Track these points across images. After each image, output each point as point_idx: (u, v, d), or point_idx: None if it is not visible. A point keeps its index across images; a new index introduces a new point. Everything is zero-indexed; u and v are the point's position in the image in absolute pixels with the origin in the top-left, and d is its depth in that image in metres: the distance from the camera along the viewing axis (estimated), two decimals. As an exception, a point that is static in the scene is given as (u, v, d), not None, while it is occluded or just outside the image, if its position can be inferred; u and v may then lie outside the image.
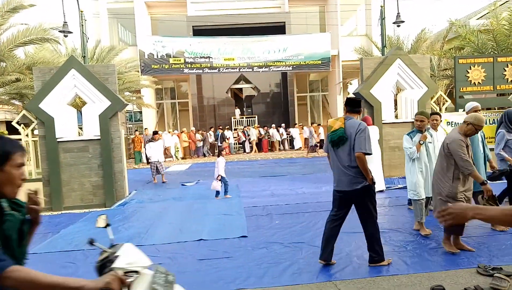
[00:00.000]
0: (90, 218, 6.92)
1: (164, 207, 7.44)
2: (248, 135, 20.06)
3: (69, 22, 10.90)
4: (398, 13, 13.77)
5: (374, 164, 7.85)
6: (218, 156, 8.27)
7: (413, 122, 9.54)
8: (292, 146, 20.57)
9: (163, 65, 16.83)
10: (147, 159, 15.68)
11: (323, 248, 4.06)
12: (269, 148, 20.56)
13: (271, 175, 11.26)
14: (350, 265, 4.04)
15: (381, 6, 11.11)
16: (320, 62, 18.05)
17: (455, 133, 4.18)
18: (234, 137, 20.24)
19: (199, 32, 20.18)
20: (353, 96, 4.59)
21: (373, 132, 7.78)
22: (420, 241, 4.67)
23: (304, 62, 17.90)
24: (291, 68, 18.25)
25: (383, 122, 9.34)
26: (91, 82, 8.05)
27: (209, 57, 17.17)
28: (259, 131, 20.16)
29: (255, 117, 22.38)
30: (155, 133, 11.67)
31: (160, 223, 6.21)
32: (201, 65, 17.21)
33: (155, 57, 16.75)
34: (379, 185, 7.90)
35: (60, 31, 11.16)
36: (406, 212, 6.13)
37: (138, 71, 17.29)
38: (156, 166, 10.82)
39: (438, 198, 4.23)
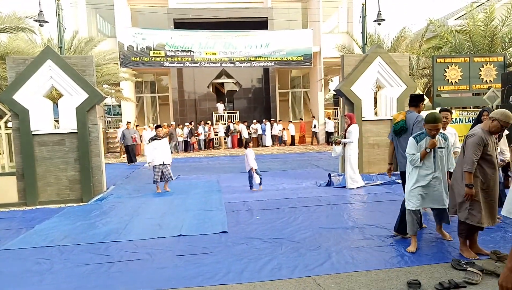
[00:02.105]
0: (66, 213, 6.76)
1: (143, 203, 7.33)
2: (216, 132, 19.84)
3: (45, 12, 10.56)
4: (379, 11, 13.97)
5: (352, 162, 7.90)
6: (246, 148, 8.37)
7: (391, 119, 9.78)
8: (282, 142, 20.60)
9: (143, 58, 16.54)
10: (129, 157, 14.34)
11: (400, 222, 4.56)
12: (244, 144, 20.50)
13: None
14: (328, 260, 4.08)
15: (363, 4, 11.22)
16: (302, 58, 18.12)
17: (478, 129, 3.90)
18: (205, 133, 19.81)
19: (180, 25, 19.90)
20: (415, 93, 4.77)
21: (355, 130, 7.85)
22: (397, 236, 4.75)
23: (286, 58, 17.94)
24: (273, 64, 18.25)
25: (363, 119, 9.46)
26: (68, 73, 7.83)
27: (190, 51, 16.97)
28: (229, 126, 20.00)
29: (236, 112, 22.31)
30: (157, 127, 8.82)
31: (139, 219, 6.12)
32: (182, 59, 16.99)
33: (135, 49, 16.44)
34: (359, 182, 7.99)
35: (35, 20, 10.80)
36: (384, 208, 6.23)
37: (117, 64, 16.92)
38: (162, 171, 8.46)
39: (458, 201, 4.00)
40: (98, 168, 8.13)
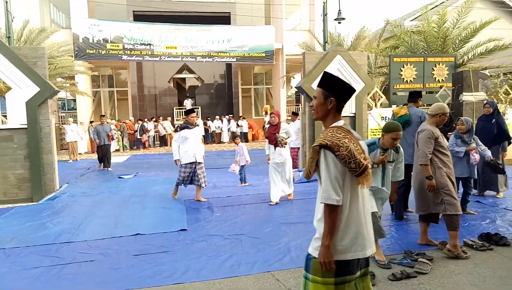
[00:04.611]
0: (14, 214, 6.37)
1: (99, 201, 7.05)
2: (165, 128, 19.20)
3: (-9, -2, 9.83)
4: (339, 10, 14.27)
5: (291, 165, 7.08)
6: (237, 143, 8.35)
7: (351, 116, 10.03)
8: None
9: (100, 50, 15.90)
10: (103, 160, 11.48)
11: (399, 210, 5.06)
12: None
13: (214, 167, 11.14)
14: (288, 255, 4.11)
15: (324, 3, 11.38)
16: (264, 54, 18.18)
17: (426, 125, 4.14)
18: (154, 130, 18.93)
19: (140, 17, 19.36)
20: (414, 89, 5.06)
21: (292, 127, 7.72)
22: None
23: (248, 54, 17.92)
24: (235, 60, 18.16)
25: (323, 115, 9.61)
26: (16, 65, 7.34)
27: (149, 44, 16.53)
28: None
29: (198, 108, 22.04)
30: (189, 112, 6.91)
31: (94, 218, 5.87)
32: (141, 52, 16.53)
33: (91, 41, 15.78)
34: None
35: (-21, 8, 10.04)
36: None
37: (72, 56, 16.17)
38: (195, 172, 6.67)
39: (432, 198, 4.03)
40: (50, 166, 7.72)
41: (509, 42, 13.16)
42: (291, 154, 7.54)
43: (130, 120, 18.63)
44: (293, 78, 26.45)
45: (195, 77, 24.02)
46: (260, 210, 6.03)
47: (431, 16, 14.05)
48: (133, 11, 19.61)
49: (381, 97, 11.04)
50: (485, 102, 6.98)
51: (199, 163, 6.70)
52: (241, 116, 21.18)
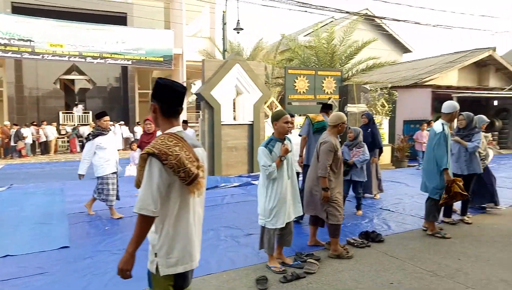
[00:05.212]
0: None
1: (-41, 219, 5.96)
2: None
3: None
4: (238, 20, 14.62)
5: None
6: (134, 149, 7.28)
7: (249, 124, 10.28)
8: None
9: (-36, 43, 13.69)
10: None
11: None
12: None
13: (106, 176, 10.34)
14: (182, 266, 3.95)
15: (223, 12, 11.54)
16: (162, 59, 17.69)
17: (328, 137, 4.21)
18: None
19: (19, 10, 17.24)
20: (325, 101, 5.17)
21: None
22: (249, 236, 4.94)
23: (145, 57, 17.25)
24: (130, 62, 17.31)
25: (222, 123, 9.68)
26: None
27: (29, 40, 14.77)
28: (65, 129, 18.20)
29: (89, 113, 20.39)
30: (101, 115, 5.92)
31: (-50, 239, 4.93)
32: (19, 49, 14.67)
33: (-47, 32, 13.49)
34: None
35: None
36: (238, 209, 6.45)
37: None
38: (116, 184, 6.11)
39: (319, 205, 4.20)
40: None
41: (385, 61, 14.98)
42: None
43: (5, 125, 16.34)
44: (194, 84, 26.24)
45: (86, 79, 22.23)
46: (155, 220, 5.73)
47: (322, 33, 15.25)
48: (12, 2, 17.40)
49: (277, 106, 11.56)
50: (362, 113, 7.80)
51: (117, 174, 6.11)
52: (137, 122, 20.20)
